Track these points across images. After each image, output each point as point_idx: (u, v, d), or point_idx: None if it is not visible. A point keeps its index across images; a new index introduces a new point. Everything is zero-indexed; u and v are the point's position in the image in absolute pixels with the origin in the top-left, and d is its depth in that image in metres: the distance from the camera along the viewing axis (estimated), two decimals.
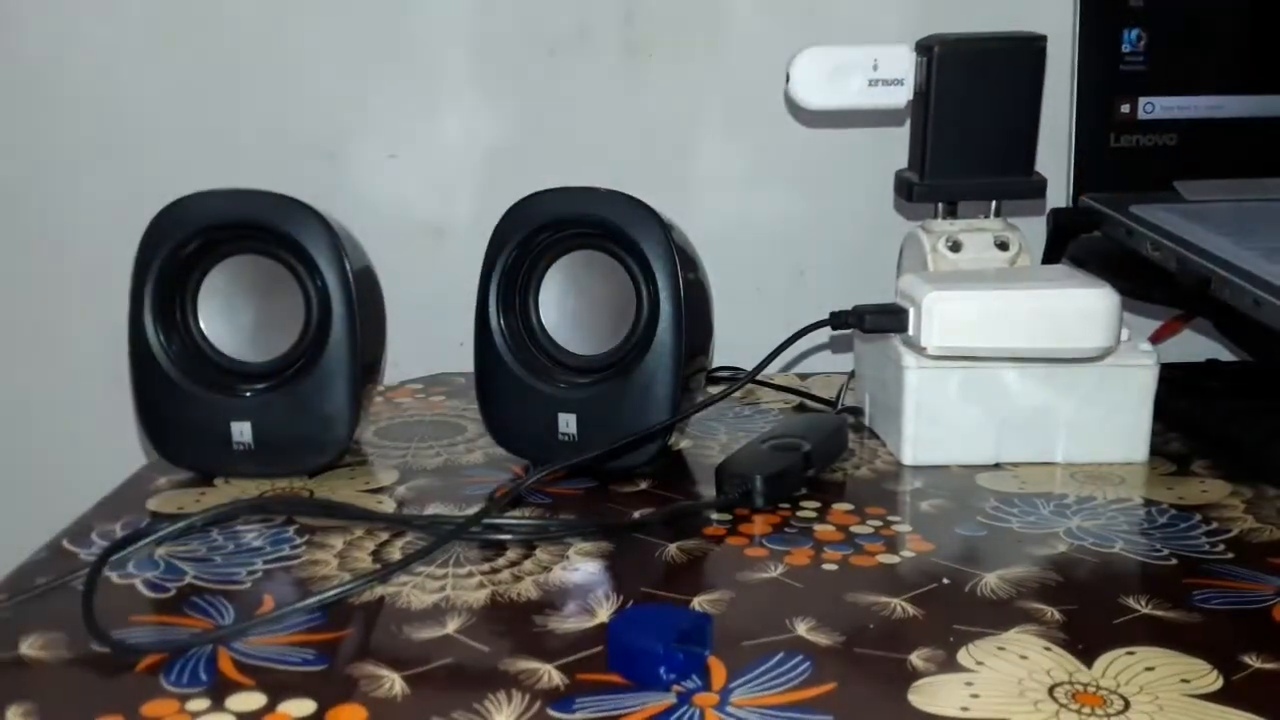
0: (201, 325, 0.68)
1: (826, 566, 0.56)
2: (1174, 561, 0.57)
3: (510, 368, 0.68)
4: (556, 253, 0.69)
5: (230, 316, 0.68)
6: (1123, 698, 0.45)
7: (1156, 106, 0.81)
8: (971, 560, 0.57)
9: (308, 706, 0.44)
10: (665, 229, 0.66)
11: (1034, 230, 0.80)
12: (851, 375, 0.81)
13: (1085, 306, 0.64)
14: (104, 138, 0.91)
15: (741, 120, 0.92)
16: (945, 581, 0.55)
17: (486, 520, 0.59)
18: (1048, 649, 0.48)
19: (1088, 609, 0.52)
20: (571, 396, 0.68)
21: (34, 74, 0.90)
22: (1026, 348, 0.65)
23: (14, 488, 0.97)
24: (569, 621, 0.51)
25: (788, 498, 0.64)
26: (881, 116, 0.80)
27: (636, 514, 0.63)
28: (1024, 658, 0.48)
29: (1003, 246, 0.74)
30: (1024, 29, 0.74)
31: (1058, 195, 0.80)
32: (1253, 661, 0.47)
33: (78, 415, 0.96)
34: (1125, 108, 0.81)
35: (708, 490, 0.66)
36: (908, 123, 0.77)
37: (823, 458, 0.67)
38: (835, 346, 0.93)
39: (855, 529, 0.61)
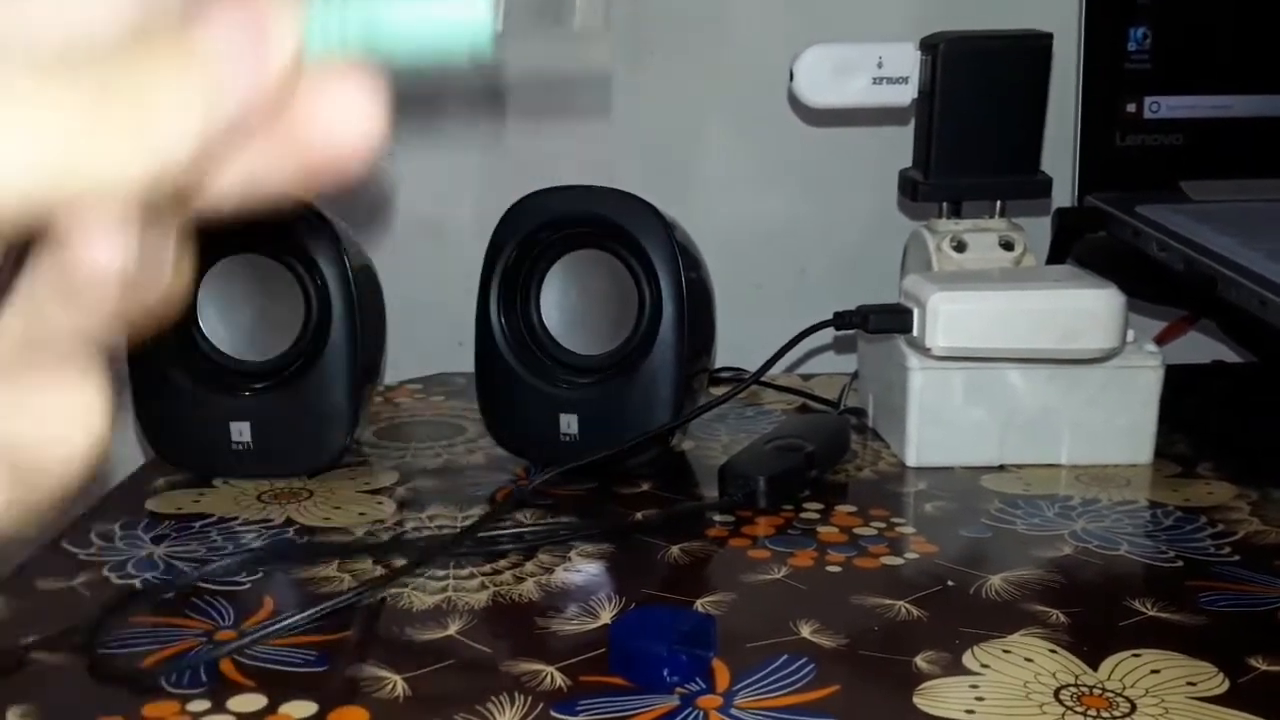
0: (200, 324, 0.68)
1: (830, 568, 0.56)
2: (1179, 564, 0.57)
3: (511, 368, 0.68)
4: (557, 252, 0.68)
5: (229, 315, 0.68)
6: (1129, 700, 0.44)
7: (1162, 106, 0.80)
8: (976, 562, 0.57)
9: (309, 708, 0.44)
10: (667, 227, 0.66)
11: (1039, 230, 0.80)
12: (854, 376, 0.81)
13: (1091, 307, 0.64)
14: None
15: (744, 119, 0.91)
16: (950, 584, 0.54)
17: (484, 532, 0.59)
18: (1053, 651, 0.48)
19: (1093, 611, 0.52)
20: (573, 397, 0.67)
21: None
22: (1031, 348, 0.65)
23: None
24: (571, 623, 0.51)
25: (791, 499, 0.64)
26: (886, 115, 0.80)
27: (639, 515, 0.63)
28: (1029, 660, 0.47)
29: (1007, 246, 0.73)
30: (1029, 27, 0.73)
31: (1063, 195, 0.79)
32: (1259, 664, 0.47)
33: None
34: (1131, 107, 0.80)
35: (710, 491, 0.66)
36: (912, 121, 0.76)
37: (826, 459, 0.67)
38: (838, 347, 0.92)
39: (859, 531, 0.60)
